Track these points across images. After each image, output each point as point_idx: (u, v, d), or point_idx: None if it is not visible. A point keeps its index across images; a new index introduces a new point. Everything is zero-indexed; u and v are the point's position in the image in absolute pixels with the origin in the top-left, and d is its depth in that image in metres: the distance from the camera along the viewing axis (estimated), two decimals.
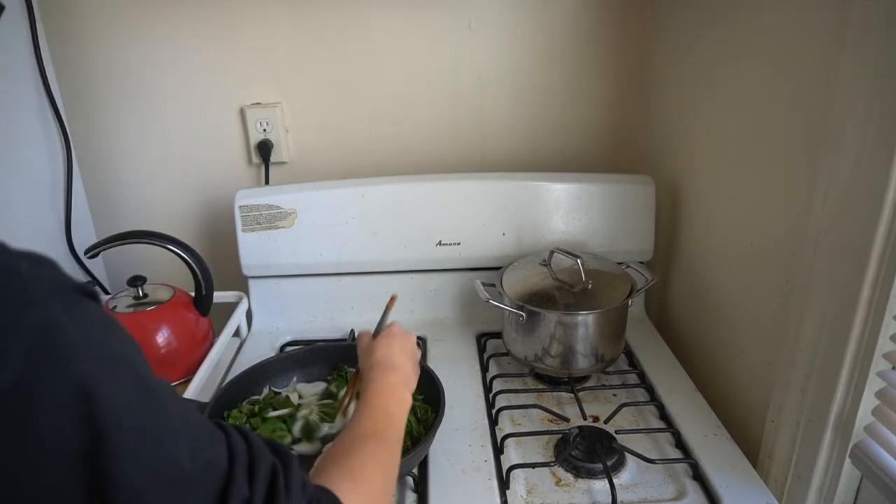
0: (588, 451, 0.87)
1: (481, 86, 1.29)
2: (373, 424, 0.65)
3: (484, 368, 1.10)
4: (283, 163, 1.32)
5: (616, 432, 0.91)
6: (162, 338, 1.05)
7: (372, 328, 0.86)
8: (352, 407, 0.88)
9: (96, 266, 1.32)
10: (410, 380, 0.77)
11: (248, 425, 0.90)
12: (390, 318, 0.88)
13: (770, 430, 0.89)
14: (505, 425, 0.96)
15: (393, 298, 0.91)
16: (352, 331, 1.18)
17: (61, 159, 1.24)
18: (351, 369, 1.00)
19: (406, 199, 1.18)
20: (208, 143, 1.30)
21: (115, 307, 1.06)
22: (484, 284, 1.09)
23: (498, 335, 1.14)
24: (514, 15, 1.24)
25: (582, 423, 0.94)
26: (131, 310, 1.05)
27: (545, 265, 1.09)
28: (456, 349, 1.15)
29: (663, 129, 1.24)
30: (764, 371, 0.91)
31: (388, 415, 0.68)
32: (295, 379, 1.01)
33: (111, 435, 0.35)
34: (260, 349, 1.15)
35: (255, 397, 0.96)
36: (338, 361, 1.02)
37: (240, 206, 1.17)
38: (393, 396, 0.71)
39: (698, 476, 0.85)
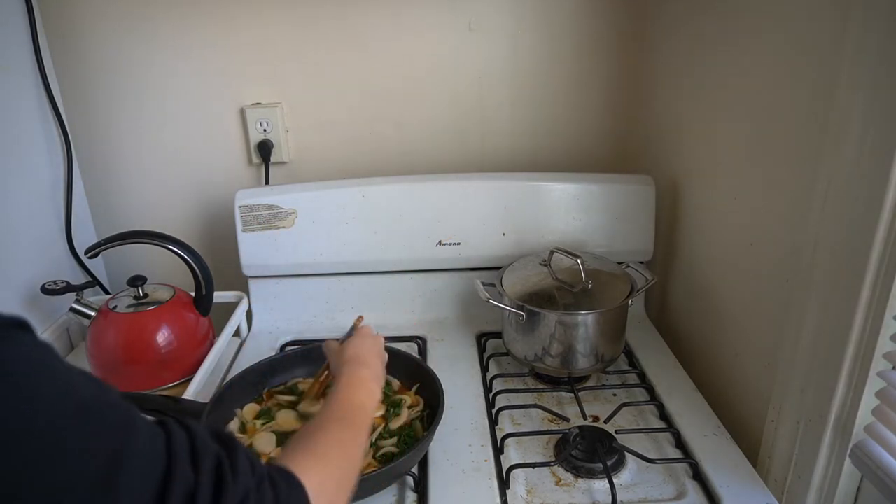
0: (588, 451, 0.87)
1: (481, 86, 1.29)
2: (341, 411, 0.68)
3: (484, 368, 1.10)
4: (283, 163, 1.32)
5: (616, 432, 0.91)
6: (162, 338, 1.05)
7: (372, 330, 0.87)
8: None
9: (96, 266, 1.32)
10: (380, 375, 0.80)
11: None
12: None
13: (770, 430, 0.89)
14: (505, 425, 0.96)
15: (360, 318, 0.94)
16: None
17: (61, 159, 1.24)
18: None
19: (406, 199, 1.18)
20: (208, 144, 1.30)
21: (116, 307, 1.06)
22: (484, 284, 1.09)
23: (498, 335, 1.14)
24: (514, 15, 1.24)
25: (582, 422, 0.94)
26: (131, 310, 1.05)
27: (545, 265, 1.09)
28: (456, 349, 1.15)
29: (663, 129, 1.24)
30: (764, 371, 0.91)
31: (358, 404, 0.70)
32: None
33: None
34: (260, 349, 1.15)
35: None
36: None
37: (240, 206, 1.17)
38: (362, 388, 0.73)
39: (698, 476, 0.85)
